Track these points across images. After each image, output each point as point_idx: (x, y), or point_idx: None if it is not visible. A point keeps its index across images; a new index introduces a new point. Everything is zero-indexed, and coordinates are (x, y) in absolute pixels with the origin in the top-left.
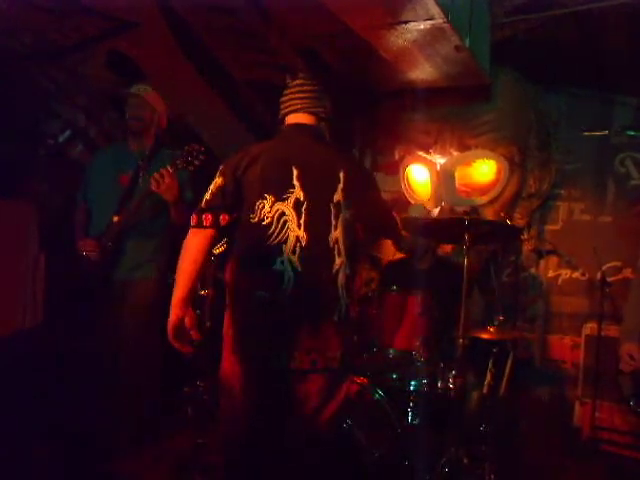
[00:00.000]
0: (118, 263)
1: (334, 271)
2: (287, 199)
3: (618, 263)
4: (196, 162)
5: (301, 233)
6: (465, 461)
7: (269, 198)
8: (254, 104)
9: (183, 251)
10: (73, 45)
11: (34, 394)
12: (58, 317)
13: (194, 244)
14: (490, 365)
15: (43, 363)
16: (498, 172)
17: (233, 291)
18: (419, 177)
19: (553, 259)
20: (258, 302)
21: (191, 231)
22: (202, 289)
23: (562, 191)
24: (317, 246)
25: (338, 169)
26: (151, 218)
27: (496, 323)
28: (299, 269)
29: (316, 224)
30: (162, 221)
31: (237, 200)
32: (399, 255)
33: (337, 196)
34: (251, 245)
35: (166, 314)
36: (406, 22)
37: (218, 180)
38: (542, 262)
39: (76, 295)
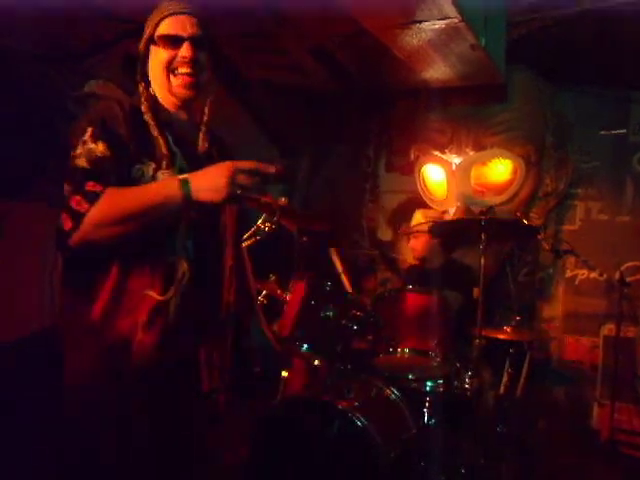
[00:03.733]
0: None
1: (222, 263)
2: (171, 166)
3: (637, 263)
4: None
5: (193, 214)
6: (482, 462)
7: (148, 163)
8: (267, 105)
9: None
10: (89, 49)
11: (50, 394)
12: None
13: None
14: (507, 365)
15: (59, 361)
16: (514, 171)
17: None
18: (435, 177)
19: (570, 259)
20: (132, 307)
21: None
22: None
23: (579, 190)
24: (210, 233)
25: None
26: None
27: (513, 323)
28: (193, 260)
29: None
30: None
31: (115, 171)
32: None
33: None
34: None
35: None
36: (421, 22)
37: (93, 146)
38: (559, 262)
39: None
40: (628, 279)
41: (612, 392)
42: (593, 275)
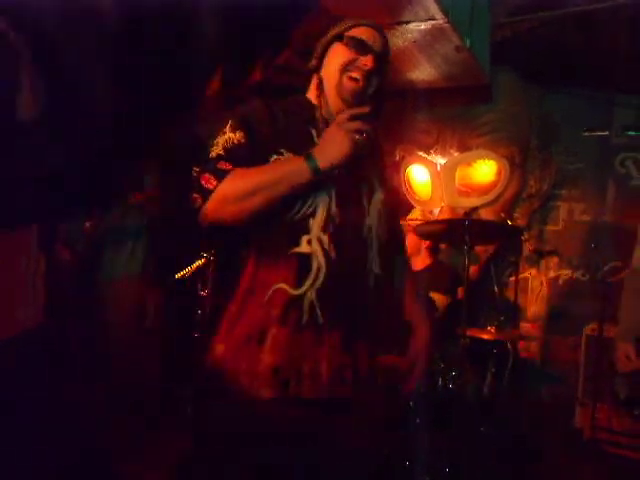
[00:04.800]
0: (98, 268)
1: (367, 267)
2: None
3: (618, 263)
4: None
5: (333, 207)
6: (466, 462)
7: (287, 154)
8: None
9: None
10: None
11: (35, 393)
12: (56, 317)
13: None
14: (490, 365)
15: (43, 362)
16: (498, 172)
17: (247, 286)
18: (420, 177)
19: (554, 259)
20: (275, 300)
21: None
22: (202, 289)
23: (563, 191)
24: (351, 229)
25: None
26: (123, 218)
27: (496, 323)
28: (332, 255)
29: (348, 201)
30: (136, 218)
31: (251, 159)
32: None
33: (367, 172)
34: (267, 220)
35: (151, 314)
36: (406, 22)
37: (231, 135)
38: (543, 262)
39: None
40: (610, 279)
41: (594, 392)
42: (576, 275)
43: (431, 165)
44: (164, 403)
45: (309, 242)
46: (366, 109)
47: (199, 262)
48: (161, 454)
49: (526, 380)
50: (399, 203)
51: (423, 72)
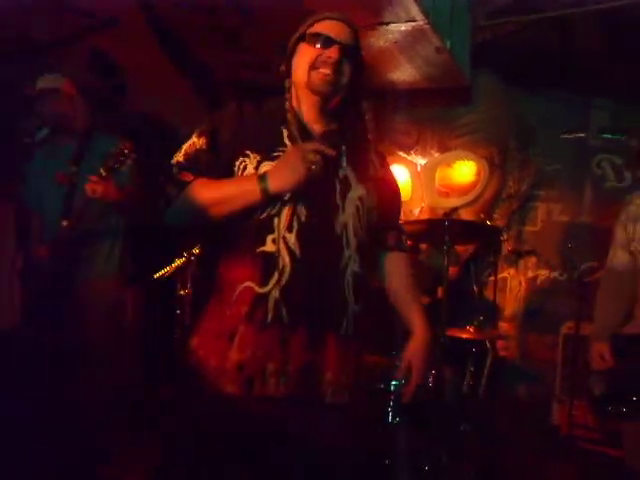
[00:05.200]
0: (76, 267)
1: (341, 265)
2: (278, 158)
3: (595, 264)
4: (128, 161)
5: (299, 206)
6: (444, 460)
7: (252, 156)
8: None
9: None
10: (54, 42)
11: (16, 395)
12: (32, 318)
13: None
14: (469, 364)
15: (22, 363)
16: (478, 173)
17: (218, 284)
18: (399, 178)
19: (532, 259)
20: (243, 298)
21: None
22: (181, 289)
23: (541, 192)
24: (320, 227)
25: (341, 137)
26: (100, 217)
27: (475, 323)
28: (298, 253)
29: (317, 199)
30: (114, 217)
31: (212, 164)
32: None
33: (342, 171)
34: (233, 221)
35: (130, 313)
36: (387, 23)
37: (195, 140)
38: (521, 262)
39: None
40: (586, 279)
41: (571, 389)
42: (554, 275)
43: (411, 165)
44: (147, 403)
45: (274, 241)
46: (333, 152)
47: (179, 261)
48: (144, 455)
49: (504, 379)
50: (392, 199)
51: (404, 73)
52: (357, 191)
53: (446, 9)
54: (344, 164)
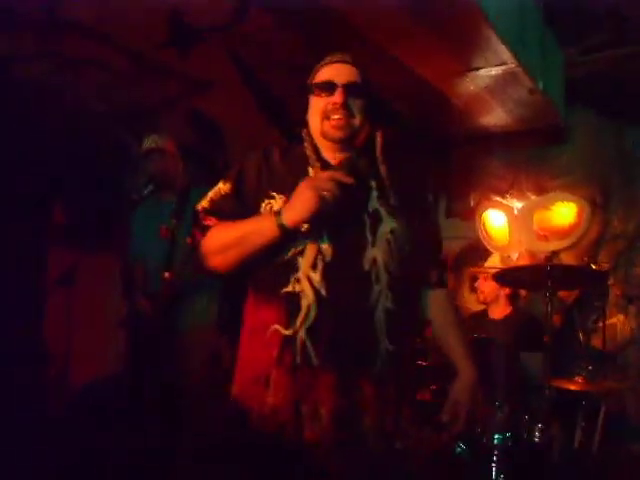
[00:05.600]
0: (176, 318)
1: (371, 302)
2: None
3: None
4: None
5: (324, 244)
6: None
7: (278, 197)
8: None
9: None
10: (156, 105)
11: (115, 441)
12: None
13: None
14: (580, 419)
15: (124, 410)
16: (579, 214)
17: (250, 325)
18: (496, 222)
19: None
20: (273, 340)
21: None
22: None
23: None
24: (346, 264)
25: (370, 173)
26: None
27: (584, 373)
28: (323, 293)
29: (344, 235)
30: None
31: (237, 208)
32: (481, 305)
33: (373, 203)
34: (258, 262)
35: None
36: (477, 69)
37: (221, 186)
38: (632, 307)
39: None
40: None
41: None
42: None
43: (507, 209)
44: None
45: (298, 281)
46: (349, 179)
47: None
48: None
49: (620, 436)
50: (432, 234)
51: (495, 117)
52: (389, 224)
53: (536, 49)
54: (374, 197)
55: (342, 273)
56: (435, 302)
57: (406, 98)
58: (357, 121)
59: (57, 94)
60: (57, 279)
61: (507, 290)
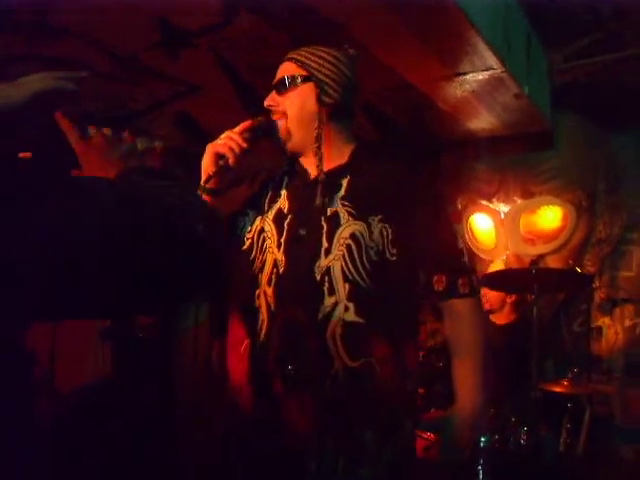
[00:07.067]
0: (172, 320)
1: (321, 316)
2: (269, 211)
3: None
4: None
5: (279, 256)
6: None
7: (251, 214)
8: None
9: None
10: (145, 108)
11: (109, 442)
12: (122, 369)
13: None
14: (565, 421)
15: (109, 413)
16: (564, 218)
17: (230, 339)
18: (482, 226)
19: (629, 307)
20: (244, 355)
21: None
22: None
23: (635, 235)
24: (296, 275)
25: (341, 174)
26: None
27: (570, 376)
28: (273, 308)
29: (299, 245)
30: None
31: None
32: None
33: (332, 207)
34: (237, 280)
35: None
36: (464, 73)
37: None
38: (617, 310)
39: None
40: None
41: None
42: None
43: (494, 213)
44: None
45: (258, 297)
46: (244, 143)
47: None
48: None
49: (606, 438)
50: (438, 239)
51: (483, 121)
52: (350, 228)
53: (523, 55)
54: (337, 199)
55: (291, 285)
56: (447, 315)
57: (394, 103)
58: (290, 113)
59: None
60: None
61: (513, 297)
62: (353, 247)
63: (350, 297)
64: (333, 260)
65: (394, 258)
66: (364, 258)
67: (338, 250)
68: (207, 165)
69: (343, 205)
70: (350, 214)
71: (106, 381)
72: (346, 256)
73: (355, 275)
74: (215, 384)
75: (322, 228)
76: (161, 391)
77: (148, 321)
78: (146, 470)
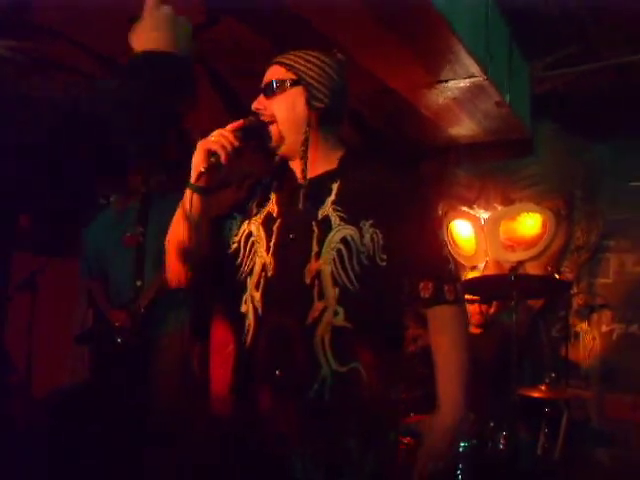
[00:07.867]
0: (151, 325)
1: (309, 320)
2: (257, 214)
3: None
4: None
5: (268, 259)
6: None
7: (238, 218)
8: None
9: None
10: None
11: (88, 446)
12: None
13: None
14: (543, 426)
15: (87, 417)
16: (544, 225)
17: (214, 345)
18: (463, 232)
19: (606, 313)
20: (224, 360)
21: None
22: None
23: (612, 243)
24: (285, 279)
25: (331, 178)
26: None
27: (548, 381)
28: (260, 312)
29: (289, 248)
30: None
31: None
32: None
33: (323, 211)
34: (223, 284)
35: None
36: (446, 81)
37: None
38: (594, 317)
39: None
40: None
41: None
42: (632, 330)
43: (474, 220)
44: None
45: (245, 301)
46: (235, 142)
47: None
48: None
49: (583, 442)
50: (422, 244)
51: (464, 128)
52: (341, 233)
53: (504, 63)
54: (328, 203)
55: (280, 289)
56: (431, 321)
57: (376, 108)
58: (279, 117)
59: (27, 97)
60: (18, 284)
61: (477, 308)
62: (344, 251)
63: (339, 302)
64: (323, 264)
65: (384, 263)
66: (354, 262)
67: (328, 254)
68: (198, 162)
69: (334, 209)
70: (341, 218)
71: (84, 385)
72: (336, 260)
73: (345, 279)
74: (195, 389)
75: (313, 232)
76: (139, 395)
77: (126, 325)
78: (123, 474)
